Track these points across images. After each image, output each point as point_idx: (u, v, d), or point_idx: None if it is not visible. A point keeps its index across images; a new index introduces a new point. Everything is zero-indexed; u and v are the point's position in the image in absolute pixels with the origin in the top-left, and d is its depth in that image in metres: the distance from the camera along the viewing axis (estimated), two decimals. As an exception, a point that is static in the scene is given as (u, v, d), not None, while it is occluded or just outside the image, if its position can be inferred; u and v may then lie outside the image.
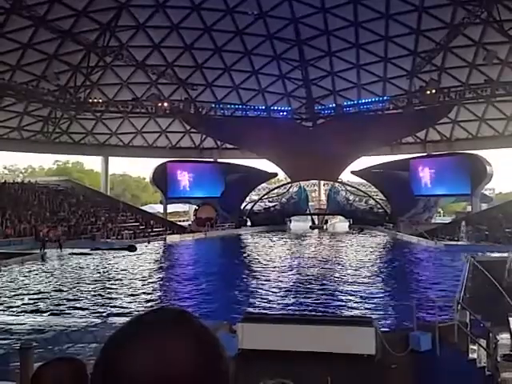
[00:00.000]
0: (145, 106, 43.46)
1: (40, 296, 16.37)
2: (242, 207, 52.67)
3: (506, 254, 18.94)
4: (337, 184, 55.86)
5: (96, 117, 47.39)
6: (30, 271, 22.32)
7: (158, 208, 56.06)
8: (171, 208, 55.38)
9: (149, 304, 15.18)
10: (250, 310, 13.57)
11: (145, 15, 38.57)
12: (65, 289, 17.87)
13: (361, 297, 15.84)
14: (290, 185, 57.08)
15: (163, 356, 0.65)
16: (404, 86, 43.70)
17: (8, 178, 48.48)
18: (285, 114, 48.02)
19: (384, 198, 51.49)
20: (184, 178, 50.07)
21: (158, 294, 17.36)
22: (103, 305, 14.88)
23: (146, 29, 40.00)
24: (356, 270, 22.55)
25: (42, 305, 14.97)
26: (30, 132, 45.95)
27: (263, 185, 58.04)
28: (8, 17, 33.60)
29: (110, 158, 52.90)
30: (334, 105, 47.05)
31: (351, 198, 56.77)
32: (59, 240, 31.08)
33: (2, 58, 36.86)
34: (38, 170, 62.33)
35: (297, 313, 13.32)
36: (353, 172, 50.84)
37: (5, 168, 56.61)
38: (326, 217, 58.38)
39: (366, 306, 14.56)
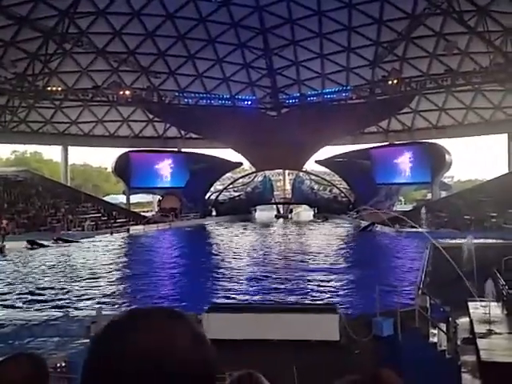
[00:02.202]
0: (106, 94, 42.42)
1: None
2: (206, 197, 52.45)
3: (464, 241, 19.56)
4: (301, 173, 56.37)
5: (55, 105, 46.04)
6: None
7: (120, 199, 55.13)
8: (134, 198, 54.58)
9: (111, 296, 14.93)
10: (215, 300, 13.55)
11: (105, 1, 37.46)
12: (25, 282, 17.40)
13: (325, 285, 16.05)
14: (254, 174, 57.21)
15: (163, 344, 0.71)
16: (367, 76, 44.26)
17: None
18: (249, 103, 47.88)
19: (347, 187, 52.32)
20: (147, 167, 49.35)
21: (121, 285, 17.09)
22: (63, 298, 14.54)
23: (106, 15, 38.90)
24: (320, 258, 22.83)
25: (1, 298, 14.52)
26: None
27: (228, 174, 57.91)
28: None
29: (70, 147, 51.52)
30: (298, 94, 47.23)
31: (315, 187, 57.45)
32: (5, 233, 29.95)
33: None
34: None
35: (262, 302, 13.38)
36: (317, 161, 51.40)
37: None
38: (291, 206, 58.84)
39: (330, 293, 14.77)
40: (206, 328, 8.00)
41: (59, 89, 41.09)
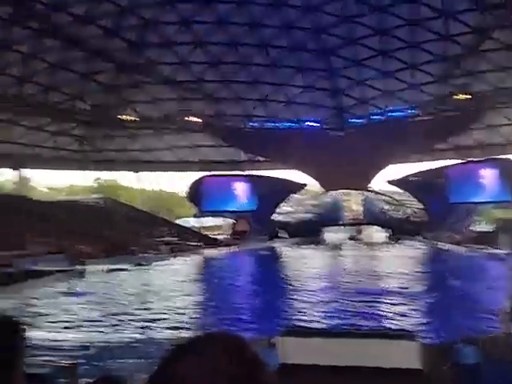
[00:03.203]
0: (176, 121, 44.21)
1: (81, 312, 16.69)
2: (273, 219, 52.76)
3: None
4: (371, 193, 55.26)
5: (130, 134, 48.41)
6: (70, 288, 22.78)
7: (191, 222, 56.63)
8: (206, 222, 55.94)
9: (186, 317, 15.25)
10: (290, 323, 13.47)
11: (173, 32, 39.00)
12: (105, 304, 18.17)
13: (404, 309, 15.51)
14: (323, 195, 56.77)
15: (212, 367, 0.78)
16: (434, 92, 42.99)
17: (49, 197, 49.78)
18: (314, 124, 47.95)
19: (421, 207, 50.59)
20: (218, 191, 50.54)
21: (196, 308, 17.43)
22: (142, 320, 15.02)
23: (174, 46, 40.37)
24: (395, 281, 22.13)
25: (83, 321, 15.22)
26: (67, 151, 47.30)
27: (295, 196, 57.91)
28: (40, 39, 34.67)
29: (144, 173, 53.98)
30: (363, 114, 46.81)
31: (386, 207, 55.96)
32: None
33: (37, 78, 37.89)
34: (77, 188, 63.93)
35: (336, 326, 13.14)
36: (389, 181, 50.29)
37: (46, 188, 58.23)
38: (362, 227, 57.62)
39: (408, 318, 14.24)
40: (281, 352, 7.99)
41: (133, 118, 43.35)
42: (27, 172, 48.87)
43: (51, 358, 9.00)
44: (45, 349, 9.91)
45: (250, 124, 47.62)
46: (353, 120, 47.66)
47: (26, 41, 33.90)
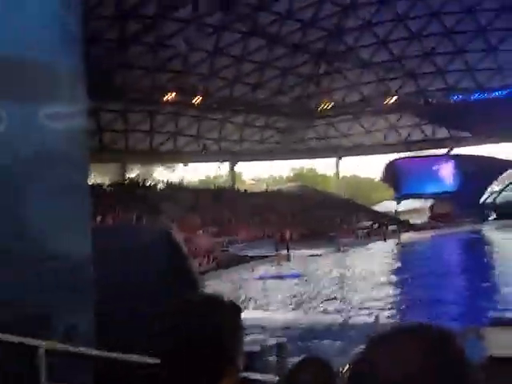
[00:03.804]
0: (373, 104, 43.60)
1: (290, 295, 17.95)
2: (482, 200, 48.24)
3: None
4: None
5: (327, 122, 49.43)
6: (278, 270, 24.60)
7: (390, 206, 55.27)
8: (404, 205, 54.02)
9: (386, 305, 15.26)
10: (500, 313, 12.48)
11: (369, 12, 38.38)
12: (309, 287, 19.22)
13: None
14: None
15: (412, 359, 0.77)
16: None
17: (254, 188, 53.98)
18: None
19: None
20: (416, 173, 48.37)
21: (394, 295, 17.22)
22: (345, 305, 15.48)
23: (371, 26, 39.75)
24: None
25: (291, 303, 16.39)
26: (271, 143, 50.69)
27: (506, 173, 51.84)
28: (247, 40, 37.81)
29: (341, 161, 54.54)
30: None
31: None
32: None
33: (246, 79, 41.39)
34: (278, 178, 67.96)
35: None
36: None
37: (252, 179, 63.38)
38: None
39: None
40: (490, 344, 7.56)
41: (331, 106, 44.20)
42: (238, 166, 53.64)
43: (261, 337, 10.09)
44: (255, 328, 11.03)
45: (454, 97, 44.12)
46: None
47: (234, 44, 37.27)
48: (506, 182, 52.30)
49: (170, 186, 42.30)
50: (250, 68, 40.45)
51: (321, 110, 44.36)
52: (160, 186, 42.30)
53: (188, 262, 5.56)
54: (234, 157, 49.19)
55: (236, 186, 49.34)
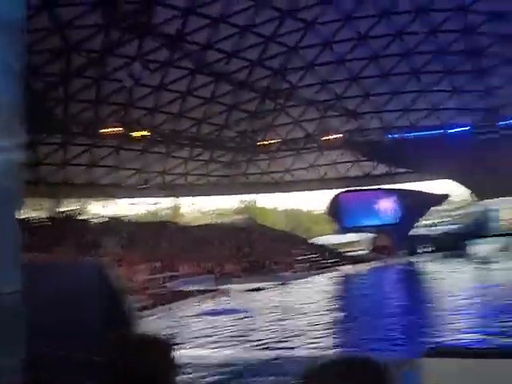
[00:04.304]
0: (316, 141, 44.95)
1: (230, 330, 17.61)
2: (415, 233, 50.36)
3: None
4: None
5: (271, 157, 50.28)
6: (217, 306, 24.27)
7: (331, 239, 56.33)
8: (345, 238, 55.24)
9: (327, 337, 15.30)
10: (437, 341, 12.81)
11: (313, 54, 39.84)
12: (250, 322, 18.98)
13: None
14: (471, 204, 52.62)
15: None
16: None
17: (198, 221, 53.52)
18: (462, 128, 44.84)
19: None
20: (357, 207, 49.89)
21: (335, 327, 17.35)
22: (285, 339, 15.36)
23: (314, 67, 41.11)
24: None
25: (232, 339, 16.05)
26: (215, 177, 50.83)
27: (438, 207, 54.54)
28: (193, 77, 38.17)
29: (284, 194, 55.48)
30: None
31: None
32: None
33: (191, 113, 41.72)
34: (222, 211, 67.96)
35: (494, 344, 12.13)
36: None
37: (195, 212, 63.06)
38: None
39: None
40: (428, 374, 7.69)
41: (274, 141, 45.17)
42: (181, 199, 53.28)
43: (199, 375, 9.77)
44: (195, 366, 10.69)
45: (390, 136, 46.27)
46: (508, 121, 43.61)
47: (180, 80, 37.48)
48: (437, 216, 54.97)
49: (109, 219, 41.24)
50: (195, 103, 40.80)
51: (265, 145, 45.18)
52: (99, 219, 41.15)
53: (123, 298, 5.36)
54: (177, 190, 48.86)
55: (179, 220, 48.82)
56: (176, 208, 51.61)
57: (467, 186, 47.42)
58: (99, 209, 47.11)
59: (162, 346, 1.26)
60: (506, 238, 52.02)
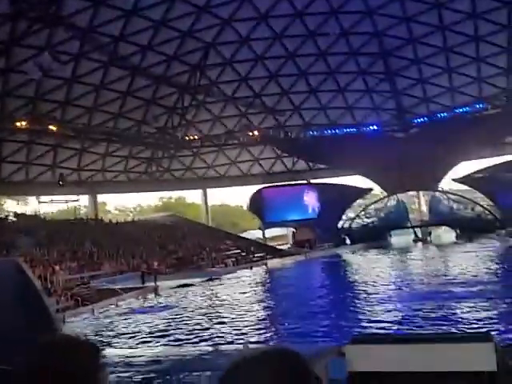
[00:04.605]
0: (237, 137, 45.24)
1: (158, 328, 17.39)
2: (338, 226, 52.27)
3: None
4: (437, 193, 53.43)
5: (193, 152, 49.91)
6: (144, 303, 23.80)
7: (257, 234, 57.21)
8: (270, 233, 56.28)
9: (256, 330, 15.52)
10: (359, 330, 13.43)
11: (231, 50, 40.08)
12: (178, 319, 18.83)
13: (477, 312, 14.99)
14: (387, 199, 55.58)
15: (258, 380, 0.90)
16: (501, 84, 41.22)
17: (119, 218, 52.19)
18: (375, 127, 47.29)
19: (491, 204, 48.37)
20: (279, 202, 50.78)
21: (263, 321, 17.63)
22: (213, 334, 15.40)
23: (233, 64, 41.50)
24: (470, 282, 21.33)
25: (159, 336, 15.84)
26: (136, 173, 49.52)
27: (359, 201, 57.06)
28: (107, 69, 36.94)
29: (208, 189, 55.37)
30: (426, 112, 45.61)
31: (455, 206, 53.83)
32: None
33: (105, 107, 40.31)
34: (145, 207, 66.54)
35: (407, 332, 12.93)
36: (454, 179, 48.53)
37: (116, 209, 61.17)
38: (429, 228, 55.72)
39: (484, 321, 13.76)
40: (350, 360, 8.03)
41: (196, 137, 44.82)
42: (100, 197, 51.51)
43: (127, 374, 9.53)
44: (122, 365, 10.41)
45: (309, 133, 47.65)
46: (416, 120, 46.53)
47: (94, 73, 36.19)
48: (359, 209, 57.36)
49: (23, 218, 38.86)
50: (110, 97, 39.45)
51: (187, 141, 44.70)
52: (11, 218, 38.66)
53: (42, 299, 5.06)
54: (95, 187, 47.10)
55: (99, 217, 47.04)
56: (96, 205, 49.64)
57: (382, 181, 49.82)
58: (13, 207, 44.41)
59: (87, 348, 1.21)
60: (419, 229, 55.70)
